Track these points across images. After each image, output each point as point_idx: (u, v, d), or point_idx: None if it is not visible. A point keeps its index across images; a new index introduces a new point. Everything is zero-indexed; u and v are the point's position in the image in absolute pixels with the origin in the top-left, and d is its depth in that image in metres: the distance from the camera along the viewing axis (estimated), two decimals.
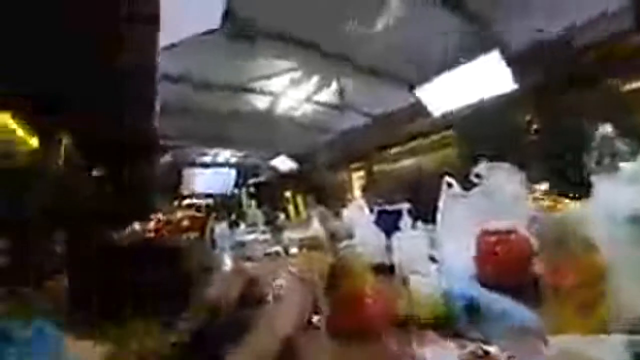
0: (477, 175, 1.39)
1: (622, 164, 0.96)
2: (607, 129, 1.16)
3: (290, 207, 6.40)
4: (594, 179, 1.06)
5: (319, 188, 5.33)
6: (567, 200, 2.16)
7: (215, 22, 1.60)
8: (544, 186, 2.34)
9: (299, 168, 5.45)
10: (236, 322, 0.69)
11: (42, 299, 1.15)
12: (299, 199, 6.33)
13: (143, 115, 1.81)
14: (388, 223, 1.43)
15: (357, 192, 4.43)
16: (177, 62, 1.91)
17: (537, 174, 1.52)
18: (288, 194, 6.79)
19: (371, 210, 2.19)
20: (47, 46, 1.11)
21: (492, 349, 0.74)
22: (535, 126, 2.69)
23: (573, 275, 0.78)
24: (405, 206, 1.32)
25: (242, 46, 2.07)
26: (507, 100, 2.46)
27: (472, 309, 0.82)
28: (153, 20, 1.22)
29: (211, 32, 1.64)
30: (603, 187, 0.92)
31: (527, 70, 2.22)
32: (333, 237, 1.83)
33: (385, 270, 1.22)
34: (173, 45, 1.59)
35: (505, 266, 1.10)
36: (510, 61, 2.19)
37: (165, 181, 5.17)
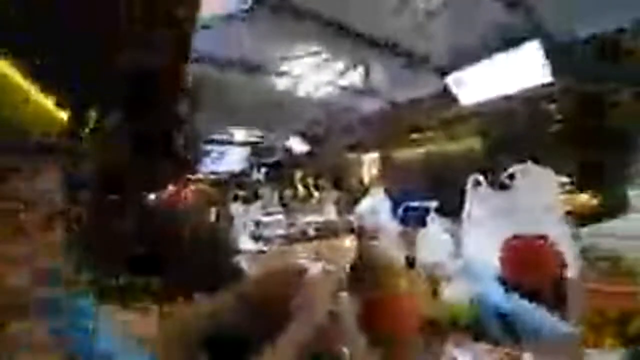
0: (511, 176, 1.35)
1: None
2: None
3: (301, 189, 6.46)
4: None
5: (334, 172, 5.32)
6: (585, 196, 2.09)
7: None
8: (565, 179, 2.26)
9: (314, 150, 5.42)
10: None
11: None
12: (310, 181, 6.37)
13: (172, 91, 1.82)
14: (414, 219, 1.43)
15: (374, 179, 4.41)
16: (202, 40, 1.86)
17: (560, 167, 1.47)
18: (299, 175, 6.85)
19: (392, 201, 2.19)
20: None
21: (525, 356, 0.75)
22: (559, 116, 2.60)
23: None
24: (433, 204, 1.31)
25: (267, 26, 2.00)
26: (541, 94, 2.37)
27: (507, 323, 0.83)
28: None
29: (243, 12, 1.58)
30: None
31: (566, 65, 2.11)
32: (354, 227, 1.84)
33: (410, 266, 1.23)
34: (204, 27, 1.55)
35: (532, 271, 1.09)
36: (550, 53, 2.07)
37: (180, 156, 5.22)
